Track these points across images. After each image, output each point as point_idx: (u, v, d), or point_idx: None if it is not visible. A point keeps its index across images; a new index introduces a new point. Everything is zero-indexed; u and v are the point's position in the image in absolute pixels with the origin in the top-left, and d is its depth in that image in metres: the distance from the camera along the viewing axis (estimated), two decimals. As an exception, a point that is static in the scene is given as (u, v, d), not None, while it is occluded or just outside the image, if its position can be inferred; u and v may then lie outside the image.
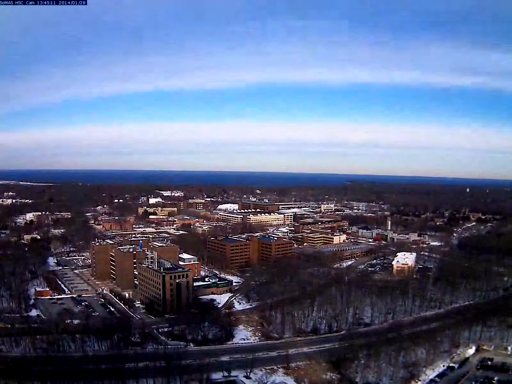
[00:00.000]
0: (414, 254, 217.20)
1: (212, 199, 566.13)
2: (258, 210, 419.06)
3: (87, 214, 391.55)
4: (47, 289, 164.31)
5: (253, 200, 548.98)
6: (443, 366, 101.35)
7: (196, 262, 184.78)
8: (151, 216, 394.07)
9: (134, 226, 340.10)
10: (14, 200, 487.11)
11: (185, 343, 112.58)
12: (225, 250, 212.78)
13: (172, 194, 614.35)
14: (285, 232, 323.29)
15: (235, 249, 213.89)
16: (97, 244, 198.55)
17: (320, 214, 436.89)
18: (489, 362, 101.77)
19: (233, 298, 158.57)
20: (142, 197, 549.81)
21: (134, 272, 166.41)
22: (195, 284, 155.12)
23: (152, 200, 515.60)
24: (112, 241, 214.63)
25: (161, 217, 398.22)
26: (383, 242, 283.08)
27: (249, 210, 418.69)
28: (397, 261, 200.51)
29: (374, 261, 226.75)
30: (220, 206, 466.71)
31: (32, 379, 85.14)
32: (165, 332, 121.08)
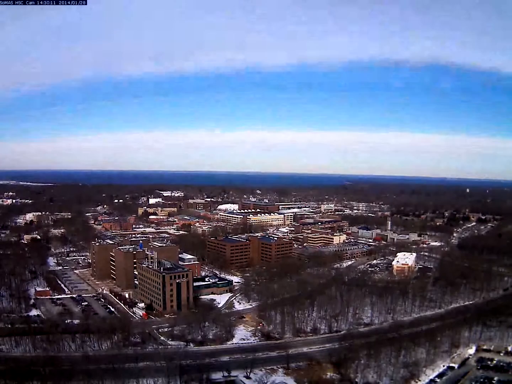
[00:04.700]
0: (414, 254, 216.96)
1: (212, 199, 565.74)
2: (258, 210, 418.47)
3: (87, 214, 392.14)
4: (47, 289, 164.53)
5: (253, 200, 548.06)
6: (443, 366, 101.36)
7: (196, 262, 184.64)
8: (151, 216, 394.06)
9: (134, 226, 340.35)
10: (14, 200, 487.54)
11: (185, 343, 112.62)
12: (225, 250, 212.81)
13: (172, 194, 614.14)
14: (285, 232, 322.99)
15: (235, 249, 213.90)
16: (97, 244, 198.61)
17: (320, 214, 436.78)
18: (489, 362, 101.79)
19: (233, 298, 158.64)
20: (142, 197, 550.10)
21: (134, 272, 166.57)
22: (195, 284, 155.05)
23: (152, 200, 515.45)
24: (112, 241, 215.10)
25: (161, 217, 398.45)
26: (383, 242, 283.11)
27: (249, 210, 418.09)
28: (397, 261, 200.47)
29: (374, 261, 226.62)
30: (220, 206, 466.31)
31: (32, 379, 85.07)
32: (165, 332, 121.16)
